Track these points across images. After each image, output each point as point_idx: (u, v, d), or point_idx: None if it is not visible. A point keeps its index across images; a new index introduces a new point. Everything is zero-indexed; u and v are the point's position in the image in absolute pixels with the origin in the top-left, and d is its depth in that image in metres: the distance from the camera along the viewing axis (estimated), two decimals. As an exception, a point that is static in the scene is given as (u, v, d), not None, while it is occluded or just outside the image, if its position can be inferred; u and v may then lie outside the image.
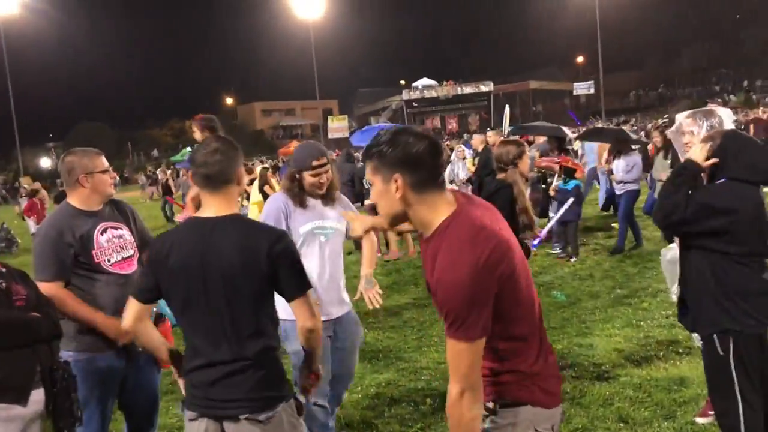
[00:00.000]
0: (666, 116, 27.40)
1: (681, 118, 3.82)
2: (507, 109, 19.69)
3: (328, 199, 3.74)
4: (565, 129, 13.16)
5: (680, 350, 5.11)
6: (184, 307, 2.50)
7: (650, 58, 79.11)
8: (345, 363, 3.86)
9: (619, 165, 9.31)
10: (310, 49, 50.35)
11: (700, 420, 3.95)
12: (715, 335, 3.07)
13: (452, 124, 63.54)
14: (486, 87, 61.21)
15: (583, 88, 59.63)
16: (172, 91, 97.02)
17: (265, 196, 12.54)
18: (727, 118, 3.75)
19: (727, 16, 77.37)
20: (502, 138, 8.71)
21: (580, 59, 75.18)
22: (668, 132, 4.00)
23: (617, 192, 9.50)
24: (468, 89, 61.34)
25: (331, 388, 3.82)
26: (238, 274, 2.40)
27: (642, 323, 5.94)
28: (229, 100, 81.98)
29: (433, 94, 60.77)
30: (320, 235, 3.69)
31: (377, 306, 3.82)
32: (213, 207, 2.51)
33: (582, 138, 14.22)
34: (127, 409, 3.46)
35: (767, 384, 3.12)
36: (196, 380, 2.49)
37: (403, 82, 68.76)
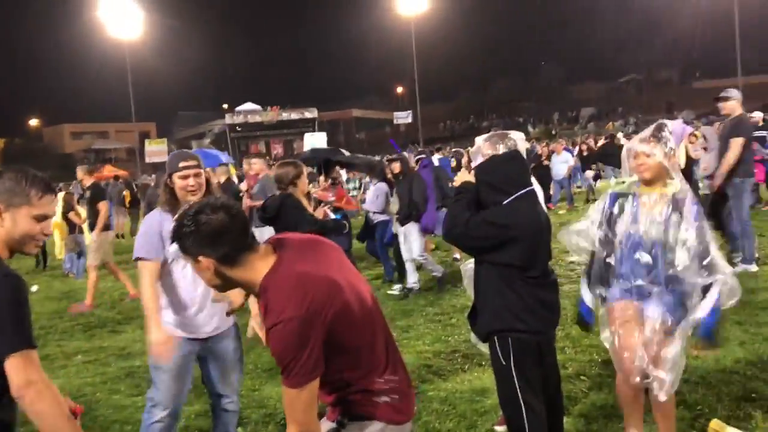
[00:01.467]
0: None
1: (480, 141, 4.16)
2: (307, 136, 20.04)
3: None
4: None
5: (483, 363, 5.40)
6: None
7: (462, 90, 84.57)
8: (228, 378, 3.70)
9: (367, 195, 9.40)
10: (125, 70, 47.97)
11: (498, 428, 4.17)
12: (495, 337, 3.32)
13: (278, 149, 63.33)
14: (310, 113, 61.83)
15: (402, 118, 62.37)
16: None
17: (69, 222, 11.64)
18: (520, 141, 4.13)
19: (530, 54, 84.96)
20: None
21: (399, 90, 78.59)
22: (470, 152, 4.35)
23: (371, 223, 9.33)
24: (293, 115, 61.61)
25: (222, 414, 3.73)
26: None
27: (450, 338, 6.23)
28: (34, 121, 75.58)
29: (257, 119, 60.28)
30: None
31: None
32: None
33: (341, 166, 14.82)
34: None
35: (548, 390, 3.42)
36: None
37: (225, 105, 67.56)
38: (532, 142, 23.75)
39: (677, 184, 3.43)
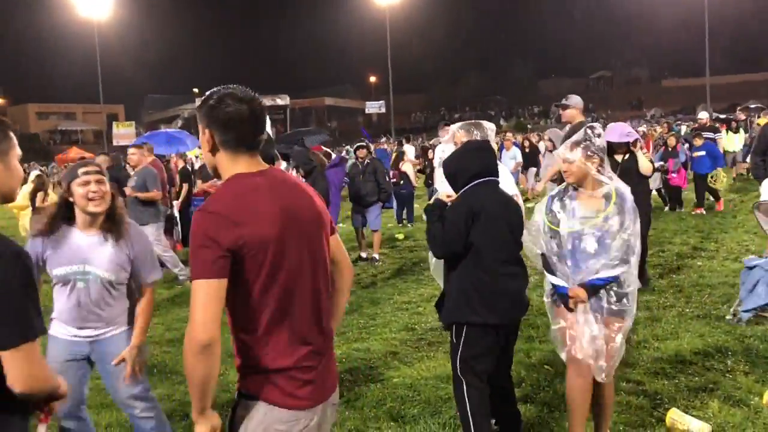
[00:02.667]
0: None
1: (455, 128, 4.27)
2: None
3: (111, 228, 3.29)
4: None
5: (448, 350, 5.42)
6: None
7: (435, 83, 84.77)
8: (125, 385, 3.43)
9: None
10: (93, 50, 47.02)
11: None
12: (454, 325, 3.47)
13: (248, 136, 62.59)
14: (282, 100, 61.36)
15: (374, 107, 62.27)
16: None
17: (35, 206, 11.24)
18: (491, 131, 4.24)
19: (503, 49, 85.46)
20: None
21: (372, 79, 78.35)
22: (442, 141, 4.41)
23: None
24: (264, 101, 60.50)
25: (136, 422, 3.55)
26: None
27: (416, 326, 6.26)
28: (-2, 100, 73.79)
29: (228, 104, 59.58)
30: (77, 281, 3.28)
31: (135, 376, 3.41)
32: None
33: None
34: None
35: (499, 377, 3.61)
36: None
37: (196, 90, 66.67)
38: (502, 135, 23.87)
39: (610, 183, 3.45)
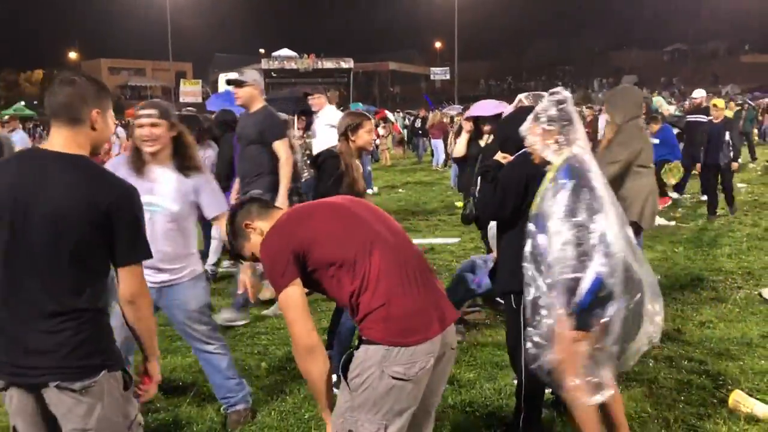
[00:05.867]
0: None
1: (522, 97, 4.18)
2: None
3: (176, 161, 3.41)
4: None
5: (505, 318, 5.42)
6: None
7: (501, 50, 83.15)
8: (196, 325, 3.59)
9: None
10: (164, 7, 47.83)
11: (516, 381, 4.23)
12: (511, 294, 3.37)
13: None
14: (346, 64, 61.28)
15: (439, 74, 61.55)
16: (4, 39, 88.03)
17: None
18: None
19: (573, 17, 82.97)
20: None
21: (438, 45, 77.35)
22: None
23: None
24: (329, 64, 61.11)
25: (206, 357, 3.70)
26: (66, 220, 2.06)
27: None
28: (73, 54, 75.94)
29: (293, 66, 59.88)
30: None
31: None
32: (55, 142, 2.15)
33: None
34: None
35: None
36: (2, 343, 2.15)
37: (262, 50, 67.33)
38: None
39: (559, 157, 3.00)
